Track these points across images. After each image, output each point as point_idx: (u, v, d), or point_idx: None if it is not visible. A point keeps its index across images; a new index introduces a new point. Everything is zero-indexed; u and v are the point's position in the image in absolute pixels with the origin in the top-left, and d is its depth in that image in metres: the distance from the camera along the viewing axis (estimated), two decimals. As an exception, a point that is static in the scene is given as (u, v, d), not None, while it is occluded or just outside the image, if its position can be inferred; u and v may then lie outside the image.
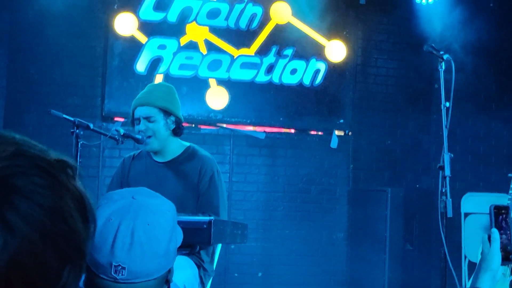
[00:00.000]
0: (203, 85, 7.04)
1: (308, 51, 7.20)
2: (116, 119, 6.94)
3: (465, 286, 6.30)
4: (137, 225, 1.72)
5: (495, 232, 2.15)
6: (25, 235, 0.75)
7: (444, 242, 3.91)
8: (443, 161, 4.00)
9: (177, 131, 4.17)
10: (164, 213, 1.81)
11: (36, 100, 6.86)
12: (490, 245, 2.14)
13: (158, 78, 6.92)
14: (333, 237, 7.29)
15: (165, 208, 1.82)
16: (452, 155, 4.02)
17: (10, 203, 0.75)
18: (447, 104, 4.03)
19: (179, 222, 2.88)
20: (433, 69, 7.22)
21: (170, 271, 1.81)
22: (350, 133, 7.38)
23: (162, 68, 6.93)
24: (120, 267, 1.70)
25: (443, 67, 4.07)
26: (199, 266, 4.03)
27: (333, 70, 7.27)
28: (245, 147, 7.19)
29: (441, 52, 4.10)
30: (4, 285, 0.74)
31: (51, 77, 6.89)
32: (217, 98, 7.05)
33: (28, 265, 0.75)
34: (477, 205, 6.51)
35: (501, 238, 2.17)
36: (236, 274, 7.02)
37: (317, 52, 7.23)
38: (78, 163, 3.48)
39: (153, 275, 1.74)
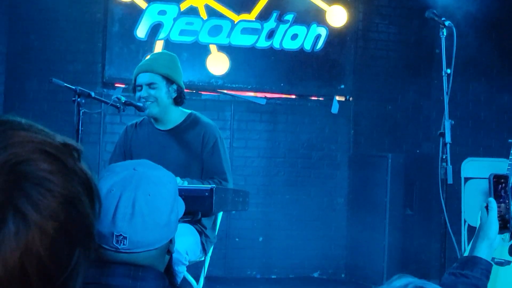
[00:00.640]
0: (204, 51, 7.02)
1: (309, 16, 7.16)
2: (117, 85, 6.93)
3: (464, 250, 6.35)
4: (139, 196, 1.74)
5: (492, 202, 2.18)
6: (37, 221, 0.76)
7: (444, 208, 3.94)
8: (444, 128, 4.00)
9: (179, 100, 4.18)
10: (166, 184, 1.82)
11: (37, 67, 6.85)
12: (487, 214, 2.16)
13: (159, 44, 6.90)
14: (334, 202, 7.33)
15: (166, 180, 1.84)
16: (453, 122, 4.02)
17: (20, 191, 0.76)
18: (448, 70, 4.02)
19: (181, 190, 2.90)
20: (435, 34, 7.19)
21: (171, 242, 1.83)
22: (351, 99, 7.37)
23: (163, 34, 6.90)
24: (122, 237, 1.72)
25: (445, 34, 4.05)
26: (201, 233, 4.07)
27: (334, 36, 7.23)
28: (245, 113, 7.19)
29: (443, 19, 4.08)
30: (18, 271, 0.75)
31: (51, 44, 6.86)
32: (217, 64, 7.03)
33: (40, 251, 0.76)
34: (477, 170, 6.53)
35: (499, 207, 2.19)
36: (237, 239, 7.08)
37: (318, 17, 7.18)
38: (80, 131, 3.50)
39: (154, 245, 1.76)
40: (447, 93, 4.02)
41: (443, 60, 4.05)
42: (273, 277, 7.17)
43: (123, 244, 1.72)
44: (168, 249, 1.84)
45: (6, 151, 0.77)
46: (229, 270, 7.01)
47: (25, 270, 0.76)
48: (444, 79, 4.02)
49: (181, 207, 1.91)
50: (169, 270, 1.86)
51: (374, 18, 7.46)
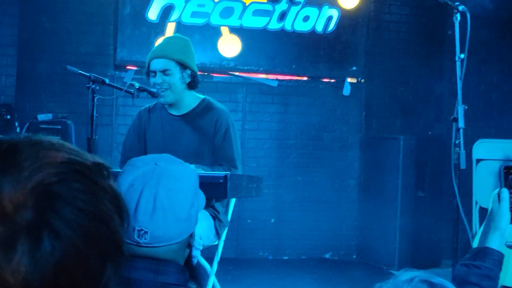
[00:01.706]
0: (215, 33, 7.01)
1: (321, -3, 7.13)
2: (128, 67, 6.94)
3: (475, 233, 6.37)
4: (160, 191, 1.76)
5: (504, 192, 2.18)
6: (70, 239, 0.79)
7: (457, 193, 3.94)
8: (457, 113, 4.00)
9: (192, 85, 4.18)
10: (186, 179, 1.84)
11: (48, 49, 6.87)
12: (499, 204, 2.17)
13: (170, 26, 6.90)
14: (345, 184, 7.35)
15: (187, 174, 1.86)
16: (466, 107, 4.01)
17: (54, 210, 0.79)
18: (462, 55, 4.00)
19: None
20: (447, 15, 7.16)
21: (192, 236, 1.86)
22: (362, 81, 7.36)
23: (174, 16, 6.89)
24: (143, 232, 1.75)
25: (458, 18, 4.03)
26: (214, 217, 4.09)
27: (346, 17, 7.20)
28: (257, 95, 7.20)
29: (456, 3, 4.06)
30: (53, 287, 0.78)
31: (62, 26, 6.87)
32: (229, 46, 7.03)
33: (73, 267, 0.79)
34: (488, 151, 6.53)
35: (510, 198, 2.20)
36: (249, 221, 7.12)
37: (330, -2, 7.16)
38: (94, 118, 3.51)
39: (175, 239, 1.78)
40: (460, 78, 4.00)
41: (456, 46, 4.02)
42: (285, 258, 7.22)
43: (144, 239, 1.75)
44: (188, 243, 1.86)
45: (40, 172, 0.80)
46: (241, 252, 7.06)
47: (60, 286, 0.78)
48: (458, 64, 4.00)
49: (201, 200, 1.93)
50: (189, 263, 1.89)
51: (386, 0, 7.42)
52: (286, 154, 7.26)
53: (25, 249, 0.77)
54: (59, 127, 6.63)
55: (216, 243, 4.18)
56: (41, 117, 6.65)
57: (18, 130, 6.64)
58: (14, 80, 6.81)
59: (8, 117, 6.67)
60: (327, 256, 7.32)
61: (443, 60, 7.38)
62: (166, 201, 1.76)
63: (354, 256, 7.34)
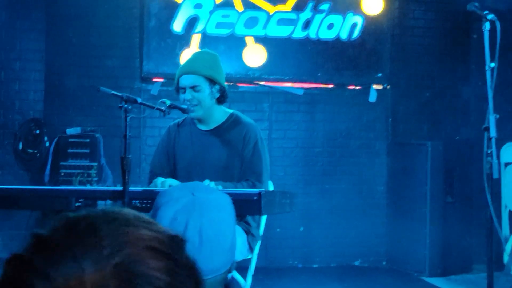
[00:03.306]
0: (240, 43, 7.03)
1: (345, 5, 7.13)
2: (154, 79, 6.99)
3: (506, 236, 6.33)
4: (204, 224, 1.78)
5: None
6: None
7: (490, 203, 3.91)
8: (489, 122, 3.98)
9: (221, 99, 4.20)
10: (225, 207, 1.86)
11: (75, 63, 6.93)
12: None
13: (195, 38, 6.93)
14: (373, 190, 7.34)
15: (224, 202, 1.87)
16: (498, 116, 3.99)
17: None
18: (492, 64, 3.98)
19: (229, 194, 2.93)
20: (472, 20, 7.12)
21: (233, 263, 1.87)
22: (388, 87, 7.34)
23: (199, 27, 6.92)
24: (191, 267, 1.76)
25: (488, 27, 4.00)
26: (247, 232, 4.10)
27: (370, 24, 7.20)
28: (283, 103, 7.21)
29: (485, 12, 4.03)
30: None
31: (89, 40, 6.93)
32: (254, 55, 7.05)
33: None
34: (517, 154, 6.50)
35: None
36: (278, 229, 7.13)
37: (354, 5, 7.15)
38: (128, 137, 3.54)
39: (221, 270, 1.80)
40: (491, 87, 3.98)
41: (486, 55, 3.99)
42: (314, 266, 7.22)
43: (194, 274, 1.76)
44: (229, 270, 1.88)
45: (121, 252, 0.80)
46: (270, 260, 7.07)
47: None
48: (488, 73, 3.97)
49: (235, 223, 1.95)
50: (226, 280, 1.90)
51: (410, 5, 7.40)
52: (313, 162, 7.26)
53: None
54: (88, 140, 6.70)
55: (249, 257, 4.19)
56: (69, 131, 6.71)
57: (47, 144, 6.72)
58: (42, 95, 6.88)
59: (37, 131, 6.75)
60: (357, 263, 7.31)
61: (469, 64, 7.35)
62: (211, 234, 1.78)
63: (384, 263, 7.32)
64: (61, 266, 0.78)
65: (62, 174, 6.56)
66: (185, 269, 0.85)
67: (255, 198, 3.31)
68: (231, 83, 6.97)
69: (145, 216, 0.88)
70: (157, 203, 1.87)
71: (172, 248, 0.85)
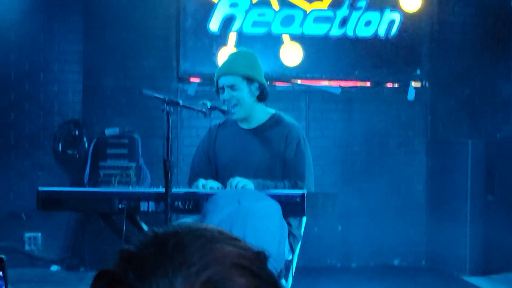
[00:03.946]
0: (277, 41, 7.01)
1: (382, 1, 7.06)
2: (191, 79, 7.01)
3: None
4: (248, 233, 1.76)
5: None
6: None
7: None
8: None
9: (262, 97, 4.20)
10: (271, 215, 1.84)
11: (113, 64, 6.98)
12: None
13: (232, 37, 6.93)
14: (412, 189, 7.27)
15: (271, 210, 1.86)
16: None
17: None
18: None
19: (272, 196, 2.90)
20: (512, 14, 7.02)
21: (281, 271, 1.85)
22: (427, 84, 7.26)
23: (235, 26, 6.92)
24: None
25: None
26: (289, 233, 4.07)
27: (409, 20, 7.12)
28: (320, 102, 7.17)
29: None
30: None
31: (126, 41, 6.97)
32: (291, 54, 7.02)
33: None
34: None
35: None
36: (316, 229, 7.10)
37: (392, 2, 7.08)
38: (170, 139, 3.55)
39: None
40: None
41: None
42: (353, 265, 7.18)
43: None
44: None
45: (208, 270, 0.81)
46: (309, 260, 7.02)
47: None
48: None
49: (285, 231, 1.92)
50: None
51: (449, 1, 7.29)
52: (351, 161, 7.21)
53: None
54: (126, 141, 6.75)
55: (290, 258, 4.17)
56: (108, 131, 6.76)
57: (86, 145, 6.77)
58: (81, 96, 6.94)
59: (76, 132, 6.80)
60: (396, 262, 7.24)
61: (510, 60, 7.23)
62: (254, 243, 1.75)
63: (423, 262, 7.25)
64: (153, 283, 0.80)
65: (101, 174, 6.61)
66: (269, 285, 0.85)
67: (298, 199, 3.29)
68: (268, 82, 6.91)
69: (229, 232, 0.89)
70: (205, 210, 1.86)
71: (257, 265, 0.85)
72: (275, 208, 1.84)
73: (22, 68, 6.82)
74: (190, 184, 4.12)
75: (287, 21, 6.98)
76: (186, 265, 0.81)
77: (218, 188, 3.84)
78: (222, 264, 0.82)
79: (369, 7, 7.03)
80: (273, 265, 1.79)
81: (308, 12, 6.99)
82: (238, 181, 3.66)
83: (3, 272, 1.74)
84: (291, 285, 4.14)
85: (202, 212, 1.90)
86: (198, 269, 0.80)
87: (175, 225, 0.87)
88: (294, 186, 3.92)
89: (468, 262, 6.65)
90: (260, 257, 0.87)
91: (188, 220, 3.16)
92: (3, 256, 1.75)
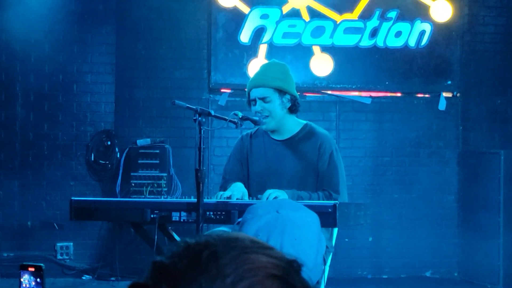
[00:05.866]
0: (307, 52, 7.03)
1: (413, 12, 7.05)
2: (222, 90, 7.05)
3: None
4: (285, 241, 1.77)
5: None
6: None
7: None
8: None
9: (293, 109, 4.21)
10: (309, 226, 1.85)
11: (145, 75, 7.06)
12: None
13: (262, 48, 6.96)
14: (443, 200, 7.22)
15: (310, 220, 1.86)
16: None
17: None
18: None
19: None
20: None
21: (317, 283, 1.86)
22: (458, 95, 7.22)
23: (266, 37, 6.95)
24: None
25: None
26: (320, 244, 4.08)
27: (439, 31, 7.09)
28: (351, 112, 7.16)
29: None
30: None
31: (157, 52, 7.05)
32: (321, 65, 7.04)
33: None
34: None
35: None
36: (346, 239, 7.07)
37: (422, 13, 7.07)
38: (202, 149, 3.57)
39: None
40: None
41: None
42: (384, 277, 7.14)
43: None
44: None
45: (243, 281, 0.81)
46: (339, 271, 7.01)
47: None
48: None
49: (323, 243, 1.93)
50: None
51: (480, 11, 7.26)
52: (382, 171, 7.19)
53: None
54: (158, 151, 6.81)
55: (322, 269, 4.16)
56: (140, 142, 6.83)
57: (118, 155, 6.84)
58: (113, 107, 7.02)
59: (109, 143, 6.88)
60: (428, 274, 7.19)
61: (542, 69, 7.16)
62: (292, 251, 1.76)
63: (456, 274, 7.18)
64: None
65: (133, 184, 6.67)
66: None
67: (329, 210, 3.29)
68: (299, 93, 6.92)
69: (261, 241, 0.88)
70: (243, 219, 1.88)
71: (290, 274, 0.85)
72: (314, 219, 1.85)
73: (56, 80, 6.92)
74: (221, 189, 4.14)
75: (318, 32, 7.00)
76: (220, 277, 0.80)
77: (242, 195, 3.85)
78: (257, 275, 0.81)
79: (400, 18, 7.02)
80: (308, 275, 1.80)
81: (338, 23, 7.00)
82: (270, 193, 3.68)
83: (41, 280, 1.78)
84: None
85: (240, 222, 1.91)
86: (232, 281, 0.80)
87: (207, 235, 0.86)
88: (329, 197, 3.92)
89: (501, 274, 6.58)
90: (294, 266, 0.87)
91: (223, 229, 3.17)
92: (41, 265, 1.79)
